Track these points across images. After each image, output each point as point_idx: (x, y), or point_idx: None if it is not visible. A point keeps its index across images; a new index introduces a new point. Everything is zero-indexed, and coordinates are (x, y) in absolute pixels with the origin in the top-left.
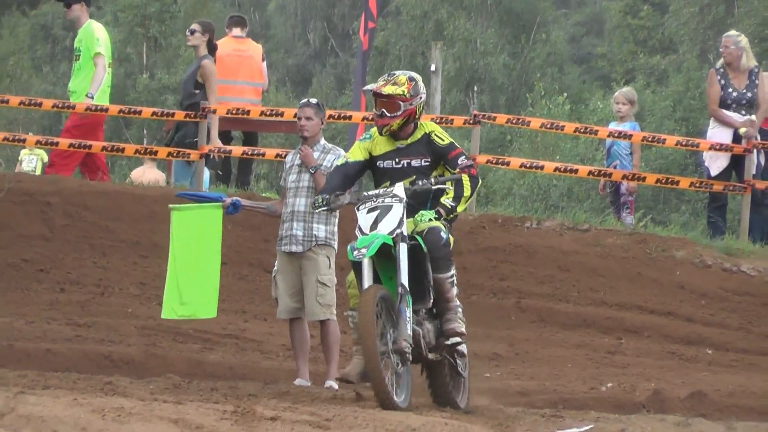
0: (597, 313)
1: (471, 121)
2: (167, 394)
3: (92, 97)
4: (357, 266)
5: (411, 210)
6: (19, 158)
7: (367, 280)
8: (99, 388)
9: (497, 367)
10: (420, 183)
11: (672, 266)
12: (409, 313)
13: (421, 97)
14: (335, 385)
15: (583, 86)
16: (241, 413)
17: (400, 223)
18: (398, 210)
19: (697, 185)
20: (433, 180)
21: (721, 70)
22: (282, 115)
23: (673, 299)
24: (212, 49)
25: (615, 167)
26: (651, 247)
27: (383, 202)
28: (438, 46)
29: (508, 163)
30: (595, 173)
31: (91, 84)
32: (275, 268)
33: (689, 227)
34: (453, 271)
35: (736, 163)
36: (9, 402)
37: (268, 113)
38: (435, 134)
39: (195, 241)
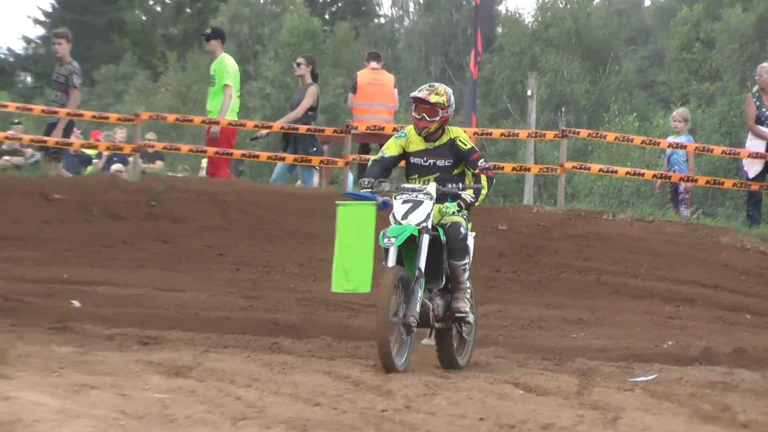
0: (660, 287)
1: (560, 135)
2: (321, 352)
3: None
4: (385, 249)
5: (438, 198)
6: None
7: (391, 261)
8: (267, 348)
9: (581, 329)
10: (449, 186)
11: (718, 249)
12: (420, 293)
13: (453, 107)
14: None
15: (648, 107)
16: (376, 366)
17: (427, 218)
18: (428, 206)
19: (738, 185)
20: (460, 185)
21: (756, 93)
22: None
23: (720, 275)
24: (315, 77)
25: (675, 171)
26: (702, 234)
27: (416, 197)
28: (533, 75)
29: (588, 168)
30: (658, 176)
31: (220, 110)
32: None
33: (732, 219)
34: (467, 260)
35: None
36: (196, 358)
37: (399, 129)
38: (459, 140)
39: (355, 231)
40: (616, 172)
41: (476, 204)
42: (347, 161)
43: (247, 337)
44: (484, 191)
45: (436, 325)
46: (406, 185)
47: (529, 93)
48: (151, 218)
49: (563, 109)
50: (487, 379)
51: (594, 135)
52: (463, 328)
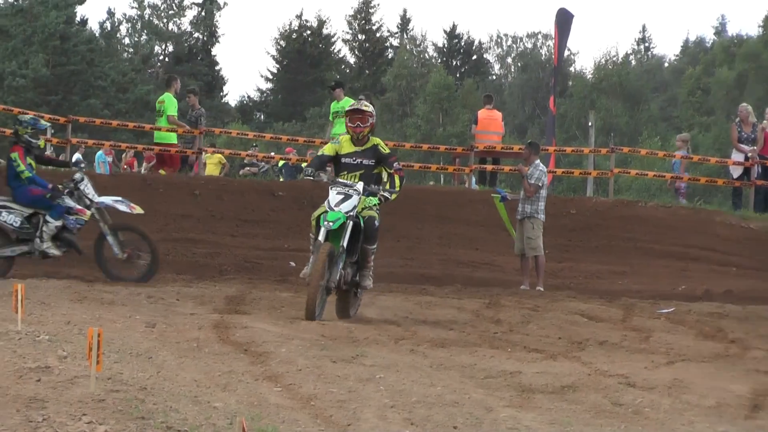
0: (675, 250)
1: (610, 151)
2: (453, 294)
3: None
4: (318, 225)
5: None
6: None
7: (322, 237)
8: (418, 292)
9: (624, 278)
10: (372, 187)
11: (713, 225)
12: (341, 265)
13: (375, 117)
14: (542, 288)
15: (667, 133)
16: (492, 304)
17: (353, 209)
18: (355, 200)
19: (726, 183)
20: (381, 188)
21: (738, 123)
22: (512, 148)
23: (714, 242)
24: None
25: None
26: (702, 215)
27: (348, 191)
28: (592, 112)
29: (629, 173)
30: (674, 177)
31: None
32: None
33: (723, 205)
34: (376, 245)
35: (747, 171)
36: (371, 299)
37: (506, 149)
38: (380, 146)
39: (501, 213)
40: (646, 175)
41: (392, 198)
42: (471, 169)
43: (404, 285)
44: (397, 189)
45: (343, 287)
46: (340, 180)
47: (590, 124)
48: None
49: (612, 134)
50: (563, 311)
51: (632, 151)
52: (359, 292)
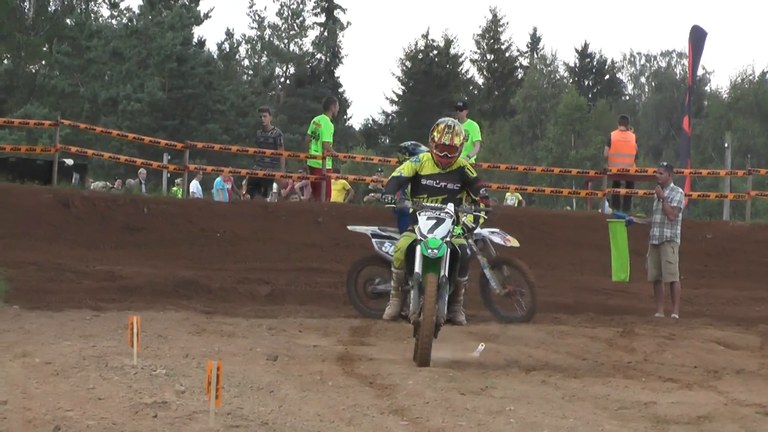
0: None
1: (747, 173)
2: (587, 323)
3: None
4: (412, 251)
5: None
6: None
7: (419, 266)
8: (549, 320)
9: (762, 304)
10: (465, 206)
11: None
12: (446, 297)
13: (464, 141)
14: (677, 316)
15: None
16: (626, 332)
17: (449, 234)
18: (449, 224)
19: None
20: (473, 208)
21: None
22: (646, 171)
23: None
24: None
25: None
26: None
27: (439, 215)
28: (728, 133)
29: (766, 195)
30: None
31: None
32: (648, 252)
33: None
34: (467, 276)
35: None
36: (501, 328)
37: (640, 171)
38: (467, 168)
39: (619, 239)
40: None
41: (475, 229)
42: (604, 193)
43: (536, 314)
44: (481, 219)
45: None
46: (427, 204)
47: (726, 145)
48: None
49: (749, 155)
50: (698, 339)
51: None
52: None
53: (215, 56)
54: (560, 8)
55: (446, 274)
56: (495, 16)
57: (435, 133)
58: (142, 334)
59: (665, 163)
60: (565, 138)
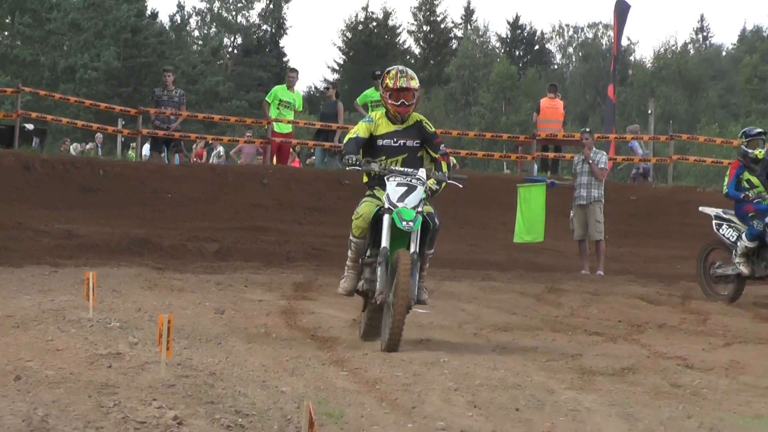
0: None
1: (669, 138)
2: (517, 279)
3: None
4: (378, 221)
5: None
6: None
7: (386, 240)
8: (481, 278)
9: (683, 261)
10: (439, 174)
11: None
12: (416, 276)
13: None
14: (602, 273)
15: (725, 120)
16: (553, 288)
17: (420, 203)
18: (421, 191)
19: None
20: (447, 174)
21: None
22: (573, 136)
23: None
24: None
25: None
26: None
27: (410, 181)
28: (651, 101)
29: (687, 159)
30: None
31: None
32: (572, 212)
33: None
34: (433, 249)
35: None
36: (437, 285)
37: (567, 136)
38: (425, 122)
39: (533, 203)
40: (705, 161)
41: (438, 192)
42: (533, 156)
43: (469, 271)
44: (444, 183)
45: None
46: (396, 168)
47: (649, 111)
48: None
49: (671, 122)
50: (623, 295)
51: (691, 138)
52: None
53: (167, 27)
54: None
55: (417, 249)
56: None
57: (387, 80)
58: (97, 289)
59: (587, 129)
60: (496, 105)
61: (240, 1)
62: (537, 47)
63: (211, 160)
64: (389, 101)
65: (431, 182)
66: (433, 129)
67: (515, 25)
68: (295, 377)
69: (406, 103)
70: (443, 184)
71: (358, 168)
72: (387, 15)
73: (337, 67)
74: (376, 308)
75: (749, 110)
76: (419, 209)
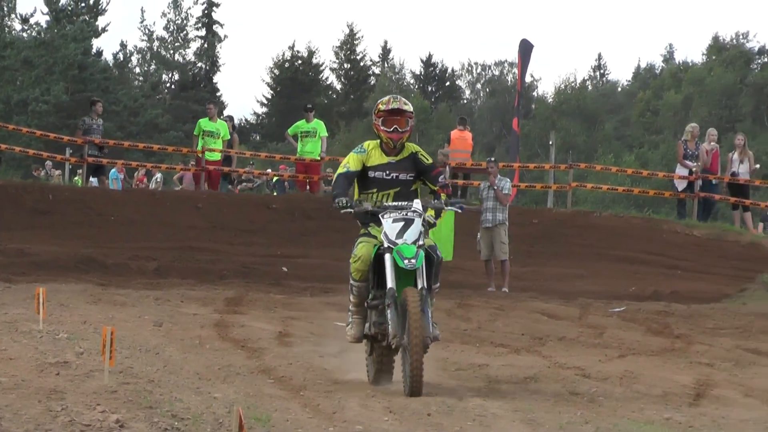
0: (627, 255)
1: (568, 167)
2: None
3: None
4: (380, 260)
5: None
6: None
7: (391, 281)
8: None
9: (582, 280)
10: (432, 202)
11: (661, 232)
12: (429, 313)
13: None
14: (507, 290)
15: (621, 150)
16: (462, 304)
17: (420, 237)
18: (419, 224)
19: (672, 195)
20: (444, 202)
21: (684, 141)
22: (481, 165)
23: (662, 247)
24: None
25: None
26: (652, 224)
27: (406, 215)
28: (553, 132)
29: (586, 186)
30: (626, 190)
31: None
32: (479, 235)
33: (669, 215)
34: (439, 282)
35: (691, 185)
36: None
37: (474, 165)
38: (421, 154)
39: (443, 224)
40: (601, 188)
41: (435, 225)
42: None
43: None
44: (443, 211)
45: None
46: (389, 204)
47: (550, 143)
48: (332, 217)
49: (570, 152)
50: (526, 310)
51: (588, 167)
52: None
53: (111, 65)
54: (408, 23)
55: (425, 285)
56: (351, 30)
57: (380, 106)
58: (47, 304)
59: (493, 159)
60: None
61: (177, 40)
62: (448, 83)
63: (150, 186)
64: (382, 128)
65: (429, 214)
66: (431, 160)
67: (428, 63)
68: (227, 384)
69: (399, 130)
70: (443, 213)
71: (350, 210)
72: (311, 54)
73: (265, 101)
74: (385, 350)
75: (642, 141)
76: (420, 242)
